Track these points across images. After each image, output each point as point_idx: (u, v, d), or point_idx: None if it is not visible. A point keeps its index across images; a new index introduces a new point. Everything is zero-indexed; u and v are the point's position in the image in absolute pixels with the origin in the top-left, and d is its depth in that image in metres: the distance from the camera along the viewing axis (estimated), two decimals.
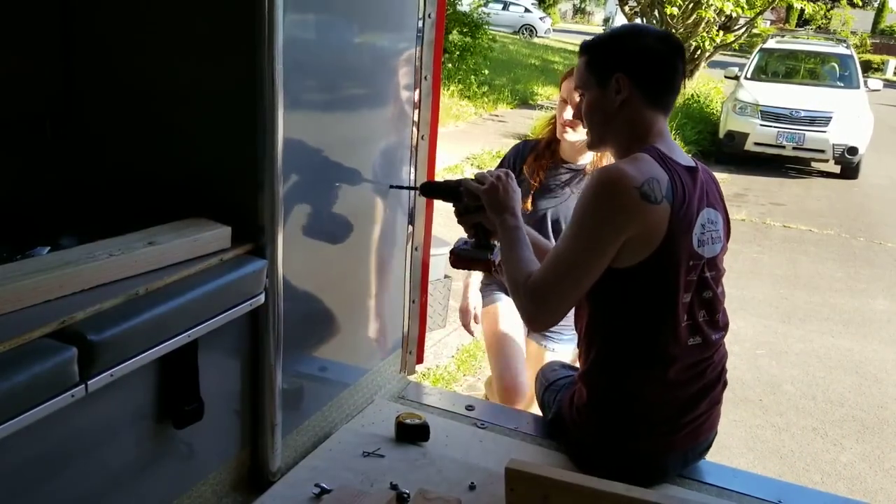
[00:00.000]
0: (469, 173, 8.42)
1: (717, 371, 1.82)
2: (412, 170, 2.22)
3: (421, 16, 2.11)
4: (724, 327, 1.82)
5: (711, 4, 13.71)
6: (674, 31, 13.89)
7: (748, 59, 12.44)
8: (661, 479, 1.83)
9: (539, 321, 1.71)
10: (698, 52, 15.21)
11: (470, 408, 2.18)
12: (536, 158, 2.58)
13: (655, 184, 1.60)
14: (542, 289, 1.64)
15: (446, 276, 3.77)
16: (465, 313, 2.73)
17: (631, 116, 1.72)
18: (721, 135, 10.81)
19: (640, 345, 1.72)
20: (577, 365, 2.01)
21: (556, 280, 1.64)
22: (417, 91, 2.17)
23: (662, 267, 1.65)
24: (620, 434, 1.78)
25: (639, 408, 1.76)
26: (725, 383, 1.87)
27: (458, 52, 14.07)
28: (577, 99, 1.83)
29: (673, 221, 1.62)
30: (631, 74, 1.69)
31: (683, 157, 1.74)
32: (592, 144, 1.83)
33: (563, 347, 2.62)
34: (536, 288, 1.65)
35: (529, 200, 2.57)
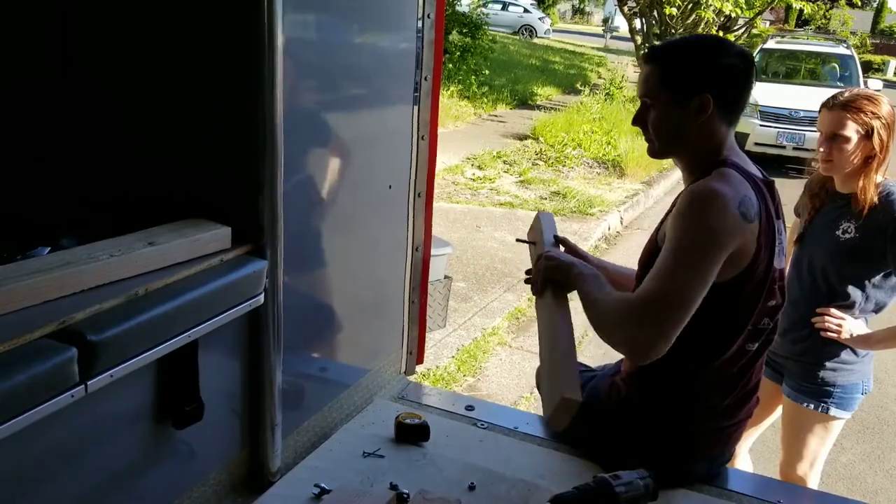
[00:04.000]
0: (469, 174, 8.43)
1: (757, 378, 1.82)
2: (412, 170, 2.22)
3: (420, 16, 2.11)
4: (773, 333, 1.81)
5: (710, 5, 13.71)
6: (673, 31, 13.91)
7: None
8: (684, 484, 1.84)
9: (655, 348, 1.53)
10: None
11: (470, 408, 2.18)
12: (811, 197, 2.45)
13: (749, 202, 1.58)
14: (657, 312, 1.53)
15: (446, 277, 3.78)
16: None
17: (707, 132, 1.68)
18: None
19: (714, 346, 1.71)
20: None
21: (669, 303, 1.53)
22: (417, 91, 2.17)
23: (748, 284, 1.64)
24: (664, 430, 1.77)
25: (693, 405, 1.76)
26: (758, 399, 1.87)
27: (458, 53, 14.08)
28: (642, 104, 1.73)
29: (760, 239, 1.61)
30: (716, 95, 1.64)
31: (755, 169, 1.73)
32: (658, 154, 1.76)
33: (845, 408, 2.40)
34: (650, 312, 1.53)
35: (795, 239, 2.44)
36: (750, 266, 1.62)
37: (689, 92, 1.65)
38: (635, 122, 1.76)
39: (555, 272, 1.78)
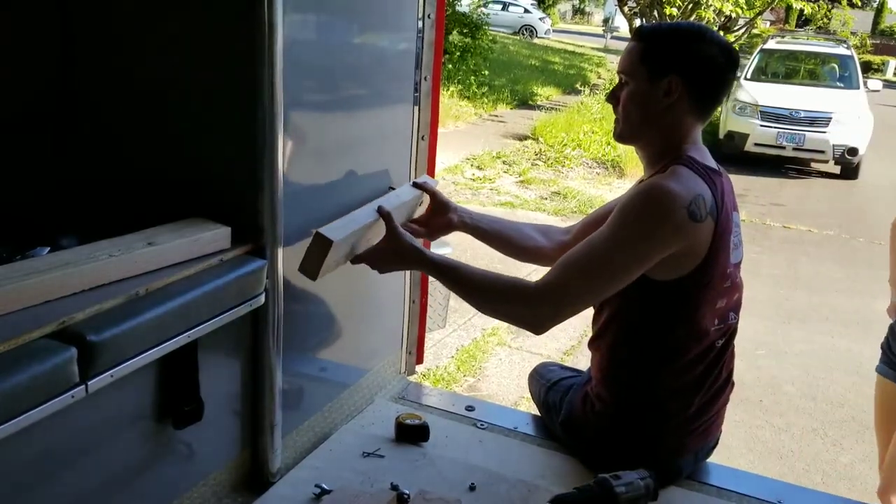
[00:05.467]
0: (469, 174, 8.43)
1: (728, 370, 1.84)
2: (412, 170, 2.22)
3: (421, 16, 2.11)
4: (737, 325, 1.84)
5: (711, 5, 13.72)
6: None
7: (748, 59, 12.47)
8: (674, 481, 1.85)
9: (550, 323, 1.65)
10: None
11: (470, 408, 2.18)
12: None
13: (701, 201, 1.58)
14: (564, 291, 1.61)
15: None
16: None
17: (672, 120, 1.67)
18: (721, 135, 10.81)
19: (673, 349, 1.72)
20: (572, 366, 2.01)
21: (583, 288, 1.61)
22: (417, 91, 2.17)
23: (705, 278, 1.64)
24: (642, 437, 1.79)
25: (664, 410, 1.77)
26: (733, 384, 1.88)
27: (458, 53, 14.09)
28: (619, 81, 1.74)
29: (716, 235, 1.62)
30: (687, 80, 1.64)
31: (711, 160, 1.72)
32: (621, 136, 1.75)
33: None
34: (556, 290, 1.61)
35: None
36: (702, 265, 1.62)
37: (662, 71, 1.64)
38: (609, 97, 1.76)
39: (389, 261, 1.78)
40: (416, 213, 2.03)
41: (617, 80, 1.76)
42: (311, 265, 1.64)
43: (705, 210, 1.59)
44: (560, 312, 1.63)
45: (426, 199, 2.02)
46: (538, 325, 1.65)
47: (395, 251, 1.75)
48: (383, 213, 1.76)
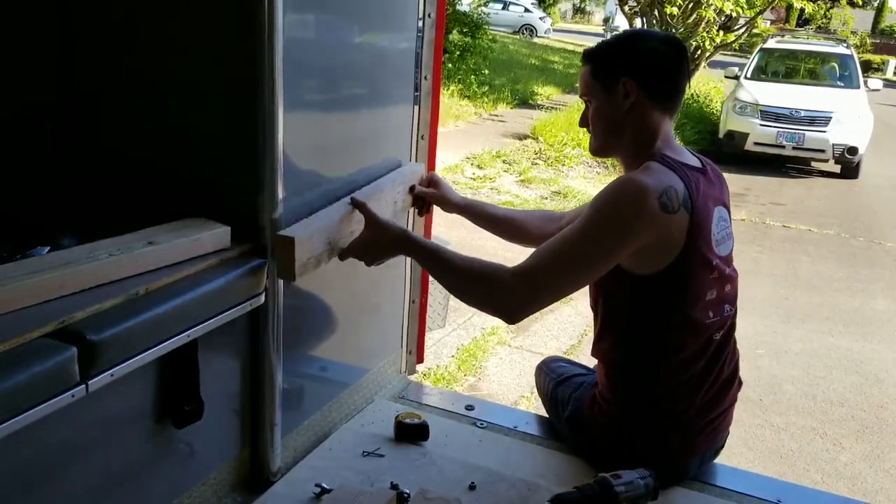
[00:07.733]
0: (469, 173, 8.43)
1: (732, 366, 1.84)
2: None
3: (421, 16, 2.11)
4: (735, 318, 1.84)
5: (711, 4, 13.71)
6: (674, 31, 13.89)
7: (748, 58, 12.45)
8: (679, 481, 1.85)
9: (525, 310, 1.66)
10: (698, 52, 15.21)
11: (470, 407, 2.18)
12: None
13: (673, 192, 1.61)
14: (540, 277, 1.63)
15: None
16: None
17: (638, 121, 1.71)
18: (721, 135, 10.81)
19: (669, 346, 1.73)
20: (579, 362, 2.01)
21: (558, 275, 1.63)
22: (418, 91, 2.17)
23: (686, 270, 1.66)
24: (648, 437, 1.79)
25: (667, 409, 1.77)
26: (741, 382, 1.88)
27: (458, 52, 14.08)
28: (585, 105, 1.81)
29: (692, 227, 1.63)
30: (637, 78, 1.68)
31: (690, 158, 1.75)
32: (596, 151, 1.82)
33: None
34: (533, 276, 1.62)
35: None
36: (681, 256, 1.64)
37: (613, 79, 1.71)
38: (581, 122, 1.82)
39: (377, 250, 1.79)
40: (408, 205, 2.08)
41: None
42: (285, 267, 1.63)
43: (677, 202, 1.61)
44: (536, 299, 1.65)
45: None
46: (513, 311, 1.66)
47: (378, 236, 1.77)
48: (356, 203, 1.79)
